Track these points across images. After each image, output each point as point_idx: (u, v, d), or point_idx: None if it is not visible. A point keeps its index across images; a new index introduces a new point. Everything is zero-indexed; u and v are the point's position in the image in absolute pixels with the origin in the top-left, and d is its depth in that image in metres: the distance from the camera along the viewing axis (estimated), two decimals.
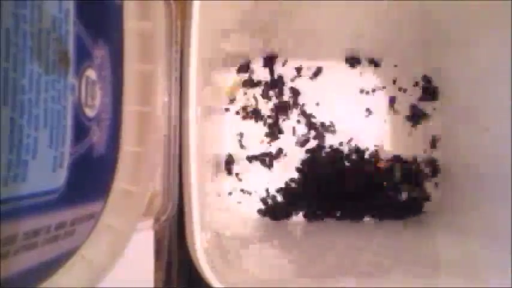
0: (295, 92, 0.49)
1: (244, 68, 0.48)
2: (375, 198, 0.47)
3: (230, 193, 0.48)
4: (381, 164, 0.48)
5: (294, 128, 0.49)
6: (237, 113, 0.48)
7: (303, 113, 0.49)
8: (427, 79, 0.49)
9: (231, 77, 0.48)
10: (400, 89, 0.50)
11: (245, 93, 0.48)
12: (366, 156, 0.49)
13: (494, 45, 0.39)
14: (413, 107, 0.49)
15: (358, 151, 0.49)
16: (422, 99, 0.49)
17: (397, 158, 0.49)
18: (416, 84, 0.50)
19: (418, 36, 0.46)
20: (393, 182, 0.48)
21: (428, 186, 0.49)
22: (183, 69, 0.31)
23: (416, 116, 0.49)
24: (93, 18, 0.23)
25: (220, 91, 0.48)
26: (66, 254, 0.23)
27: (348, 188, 0.47)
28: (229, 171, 0.48)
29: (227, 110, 0.48)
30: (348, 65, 0.49)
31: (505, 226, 0.36)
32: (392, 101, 0.49)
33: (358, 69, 0.50)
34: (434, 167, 0.49)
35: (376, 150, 0.49)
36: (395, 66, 0.50)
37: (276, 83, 0.49)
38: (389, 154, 0.49)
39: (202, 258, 0.30)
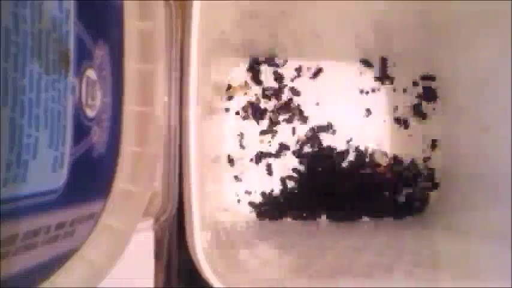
0: (294, 93, 0.49)
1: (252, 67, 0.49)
2: (374, 199, 0.47)
3: (230, 193, 0.47)
4: (380, 170, 0.48)
5: (293, 129, 0.49)
6: (237, 113, 0.48)
7: (301, 113, 0.49)
8: (427, 79, 0.49)
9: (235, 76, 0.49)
10: (399, 89, 0.50)
11: (245, 93, 0.49)
12: (366, 159, 0.49)
13: (494, 46, 0.39)
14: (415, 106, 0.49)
15: (358, 153, 0.48)
16: (422, 99, 0.49)
17: (396, 159, 0.48)
18: (416, 84, 0.50)
19: (418, 36, 0.46)
20: (392, 185, 0.48)
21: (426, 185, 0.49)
22: (183, 69, 0.31)
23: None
24: (94, 18, 0.23)
25: (220, 90, 0.47)
26: (66, 254, 0.23)
27: (347, 189, 0.47)
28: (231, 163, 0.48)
29: (227, 110, 0.48)
30: (357, 65, 0.49)
31: (505, 226, 0.36)
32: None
33: (358, 69, 0.50)
34: (431, 174, 0.49)
35: (374, 153, 0.49)
36: (395, 66, 0.50)
37: (277, 84, 0.49)
38: (389, 156, 0.49)
39: (202, 258, 0.30)
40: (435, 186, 0.48)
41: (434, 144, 0.49)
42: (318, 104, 0.49)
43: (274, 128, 0.49)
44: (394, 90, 0.49)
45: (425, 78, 0.49)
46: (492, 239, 0.37)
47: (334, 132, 0.49)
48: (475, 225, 0.40)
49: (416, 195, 0.48)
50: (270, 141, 0.49)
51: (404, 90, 0.50)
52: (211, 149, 0.43)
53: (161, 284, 0.34)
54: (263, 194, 0.48)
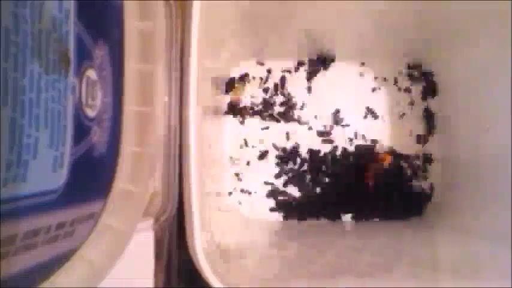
0: (294, 92, 0.49)
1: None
2: (374, 200, 0.47)
3: (230, 193, 0.48)
4: (383, 160, 0.48)
5: (293, 129, 0.49)
6: (237, 112, 0.48)
7: (301, 113, 0.49)
8: (427, 79, 0.49)
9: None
10: (400, 89, 0.50)
11: (245, 96, 0.49)
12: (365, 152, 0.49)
13: (494, 45, 0.39)
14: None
15: (358, 151, 0.49)
16: (422, 99, 0.49)
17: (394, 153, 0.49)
18: (416, 84, 0.49)
19: (419, 36, 0.46)
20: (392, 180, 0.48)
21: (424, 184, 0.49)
22: (183, 69, 0.31)
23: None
24: (94, 18, 0.23)
25: (220, 90, 0.47)
26: (66, 254, 0.23)
27: (346, 189, 0.47)
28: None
29: (227, 109, 0.48)
30: (357, 65, 0.50)
31: (505, 226, 0.36)
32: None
33: (358, 69, 0.50)
34: (427, 161, 0.49)
35: (375, 149, 0.49)
36: (395, 65, 0.50)
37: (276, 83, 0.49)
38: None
39: (202, 258, 0.30)
40: (432, 189, 0.48)
41: (434, 144, 0.49)
42: (317, 104, 0.49)
43: (275, 128, 0.49)
44: (395, 89, 0.49)
45: (425, 78, 0.49)
46: (492, 239, 0.37)
47: (334, 132, 0.49)
48: (475, 225, 0.40)
49: (416, 195, 0.48)
50: (270, 141, 0.49)
51: (405, 90, 0.50)
52: (211, 149, 0.43)
53: (161, 284, 0.34)
54: (263, 194, 0.48)
